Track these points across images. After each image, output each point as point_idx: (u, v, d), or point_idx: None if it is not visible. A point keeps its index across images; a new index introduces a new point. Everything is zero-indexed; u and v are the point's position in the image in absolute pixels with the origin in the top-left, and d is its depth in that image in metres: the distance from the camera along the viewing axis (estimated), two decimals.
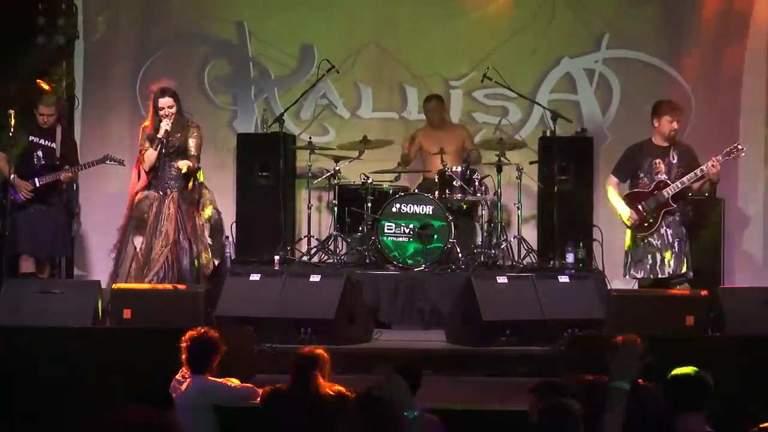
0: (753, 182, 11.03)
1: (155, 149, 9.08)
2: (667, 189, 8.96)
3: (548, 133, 10.52)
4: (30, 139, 9.64)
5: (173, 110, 9.10)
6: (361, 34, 11.35)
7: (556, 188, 10.18)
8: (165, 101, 9.09)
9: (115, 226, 9.66)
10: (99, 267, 10.67)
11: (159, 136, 9.05)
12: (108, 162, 9.50)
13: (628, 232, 9.23)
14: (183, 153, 9.19)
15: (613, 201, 9.28)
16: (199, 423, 6.16)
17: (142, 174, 9.31)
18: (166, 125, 9.05)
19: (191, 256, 9.18)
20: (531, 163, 10.53)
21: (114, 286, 8.86)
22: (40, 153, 9.64)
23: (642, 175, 9.14)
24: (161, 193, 9.18)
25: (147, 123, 9.33)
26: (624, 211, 9.11)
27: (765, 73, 11.09)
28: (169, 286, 8.87)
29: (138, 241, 9.15)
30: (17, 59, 10.75)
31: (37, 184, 9.52)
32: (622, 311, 8.41)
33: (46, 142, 9.69)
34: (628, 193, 9.24)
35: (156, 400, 5.08)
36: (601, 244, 10.33)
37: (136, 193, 9.29)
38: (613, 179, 9.34)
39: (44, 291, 8.66)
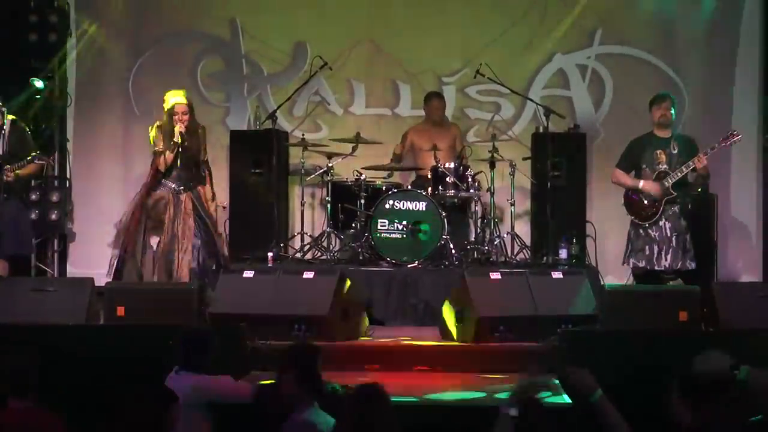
0: (746, 178, 11.05)
1: (171, 152, 9.36)
2: (668, 178, 9.21)
3: (541, 129, 10.55)
4: None
5: (187, 116, 9.39)
6: (353, 30, 11.35)
7: (549, 184, 10.21)
8: (180, 107, 9.38)
9: (109, 222, 9.66)
10: (92, 264, 10.65)
11: (174, 140, 9.33)
12: (35, 161, 9.36)
13: (630, 220, 9.42)
14: (196, 155, 9.52)
15: (628, 181, 9.46)
16: (193, 422, 6.15)
17: (153, 172, 9.54)
18: (180, 129, 9.33)
19: (216, 251, 9.50)
20: (524, 159, 10.55)
21: (107, 283, 8.87)
22: None
23: (644, 166, 9.39)
24: (175, 193, 9.42)
25: (159, 123, 9.53)
26: (643, 185, 9.30)
27: (757, 70, 11.11)
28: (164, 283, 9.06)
29: (154, 241, 9.41)
30: (9, 57, 10.75)
31: None
32: (615, 307, 8.40)
33: None
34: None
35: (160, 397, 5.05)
36: (594, 239, 10.37)
37: (148, 194, 9.47)
38: (618, 170, 9.53)
39: (37, 289, 8.64)
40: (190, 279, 9.14)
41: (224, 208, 10.06)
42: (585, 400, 4.42)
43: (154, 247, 9.38)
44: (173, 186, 9.45)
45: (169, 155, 9.39)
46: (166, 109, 9.47)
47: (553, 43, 11.33)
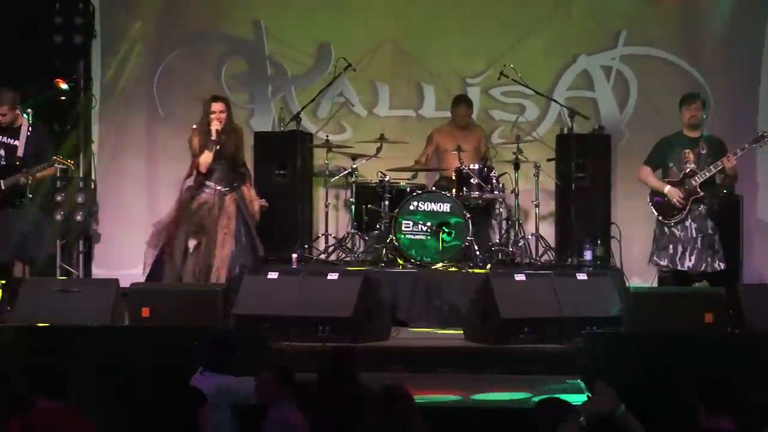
0: None
1: (210, 151, 9.28)
2: (695, 177, 9.14)
3: (565, 131, 10.53)
4: None
5: (224, 115, 9.34)
6: (377, 32, 11.34)
7: (573, 186, 10.19)
8: (217, 105, 9.35)
9: (134, 223, 9.66)
10: (116, 265, 10.68)
11: (213, 138, 9.27)
12: (56, 165, 9.38)
13: (656, 219, 9.33)
14: (236, 154, 9.46)
15: (654, 182, 9.38)
16: (217, 422, 6.16)
17: (194, 174, 9.45)
18: (216, 126, 9.27)
19: (256, 250, 9.46)
20: (548, 160, 10.53)
21: (132, 284, 8.88)
22: (2, 152, 9.40)
23: (671, 164, 9.32)
24: (220, 194, 9.36)
25: (195, 126, 9.46)
26: (668, 190, 9.21)
27: None
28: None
29: (192, 243, 9.32)
30: (34, 58, 10.80)
31: (2, 187, 9.27)
32: (640, 309, 8.38)
33: (9, 140, 9.39)
34: None
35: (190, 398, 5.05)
36: (619, 241, 10.33)
37: (192, 197, 9.39)
38: (646, 168, 9.47)
39: (63, 290, 8.68)
40: (227, 282, 9.10)
41: (266, 207, 9.89)
42: (608, 415, 4.42)
43: (191, 249, 9.32)
44: (218, 188, 9.37)
45: (207, 154, 9.28)
46: (203, 109, 9.41)
47: (578, 44, 11.29)
